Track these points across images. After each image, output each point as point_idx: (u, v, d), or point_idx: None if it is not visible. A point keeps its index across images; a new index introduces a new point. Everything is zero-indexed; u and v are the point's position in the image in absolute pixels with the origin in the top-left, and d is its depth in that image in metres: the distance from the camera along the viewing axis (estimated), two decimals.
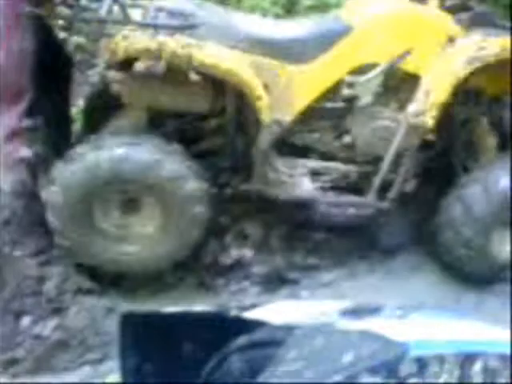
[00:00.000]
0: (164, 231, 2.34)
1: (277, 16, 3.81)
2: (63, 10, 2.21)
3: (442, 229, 2.52)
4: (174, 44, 2.19)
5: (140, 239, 2.37)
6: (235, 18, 2.51)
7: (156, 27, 2.19)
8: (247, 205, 2.66)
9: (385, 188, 2.49)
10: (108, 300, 2.38)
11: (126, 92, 2.31)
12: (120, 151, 2.26)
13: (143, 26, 2.19)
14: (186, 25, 2.21)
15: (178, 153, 2.31)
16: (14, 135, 2.44)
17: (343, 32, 2.44)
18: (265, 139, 2.38)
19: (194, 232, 2.36)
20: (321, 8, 3.80)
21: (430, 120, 2.38)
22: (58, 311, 2.31)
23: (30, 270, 2.39)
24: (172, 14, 2.25)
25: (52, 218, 2.33)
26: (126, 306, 2.34)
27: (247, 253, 2.58)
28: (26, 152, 2.45)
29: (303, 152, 2.52)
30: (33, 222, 2.43)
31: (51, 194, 2.31)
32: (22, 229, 2.41)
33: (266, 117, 2.35)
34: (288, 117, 2.41)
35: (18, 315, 2.30)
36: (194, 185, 2.30)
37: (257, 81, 2.31)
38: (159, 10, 2.26)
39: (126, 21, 2.15)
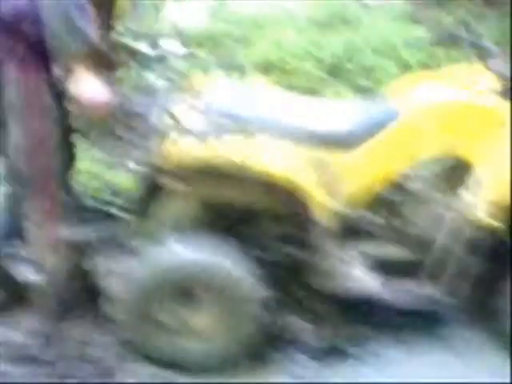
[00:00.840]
0: (221, 328, 2.33)
1: (321, 80, 3.86)
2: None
3: (501, 312, 2.44)
4: (229, 153, 2.21)
5: (197, 334, 2.35)
6: (284, 107, 2.50)
7: (207, 135, 2.20)
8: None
9: (441, 270, 2.42)
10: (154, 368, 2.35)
11: (179, 188, 2.34)
12: (182, 251, 2.30)
13: (197, 135, 2.20)
14: (236, 130, 2.21)
15: (238, 253, 2.32)
16: (51, 216, 2.39)
17: (389, 119, 2.40)
18: (319, 236, 2.37)
19: (251, 331, 2.34)
20: (364, 72, 3.84)
21: (484, 216, 2.32)
22: (103, 377, 2.29)
23: (76, 334, 2.39)
24: (222, 114, 2.26)
25: (111, 309, 2.35)
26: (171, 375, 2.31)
27: (306, 326, 2.52)
28: (65, 231, 2.42)
29: (356, 235, 2.49)
30: (79, 292, 2.44)
31: (111, 286, 2.35)
32: (67, 299, 2.41)
33: (320, 216, 2.33)
34: (339, 204, 2.39)
35: (63, 379, 2.28)
36: (253, 287, 2.30)
37: (311, 183, 2.31)
38: (209, 110, 2.27)
39: (177, 128, 2.18)
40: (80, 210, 3.38)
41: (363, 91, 3.85)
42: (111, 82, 2.24)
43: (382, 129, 2.40)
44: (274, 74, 3.88)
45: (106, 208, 3.29)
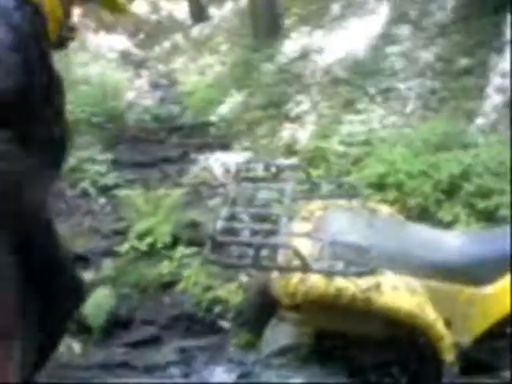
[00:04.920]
0: None
1: (438, 201, 3.79)
2: None
3: None
4: (353, 288, 2.16)
5: None
6: (410, 238, 2.44)
7: (333, 274, 2.16)
8: None
9: None
10: None
11: (294, 316, 2.29)
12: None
13: (321, 272, 2.17)
14: (362, 272, 2.15)
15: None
16: None
17: None
18: (447, 375, 2.23)
19: None
20: (484, 194, 3.74)
21: None
22: None
23: None
24: (348, 247, 2.22)
25: None
26: None
27: None
28: None
29: (485, 369, 2.34)
30: None
31: None
32: None
33: (448, 356, 2.21)
34: (467, 339, 2.27)
35: None
36: None
37: (436, 319, 2.21)
38: (334, 243, 2.24)
39: (305, 268, 2.14)
40: (190, 321, 3.43)
41: (481, 214, 3.74)
42: None
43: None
44: (390, 194, 3.86)
45: (215, 320, 3.31)
